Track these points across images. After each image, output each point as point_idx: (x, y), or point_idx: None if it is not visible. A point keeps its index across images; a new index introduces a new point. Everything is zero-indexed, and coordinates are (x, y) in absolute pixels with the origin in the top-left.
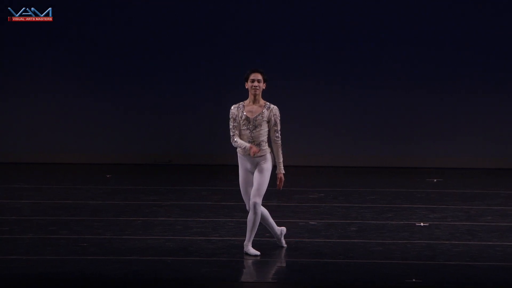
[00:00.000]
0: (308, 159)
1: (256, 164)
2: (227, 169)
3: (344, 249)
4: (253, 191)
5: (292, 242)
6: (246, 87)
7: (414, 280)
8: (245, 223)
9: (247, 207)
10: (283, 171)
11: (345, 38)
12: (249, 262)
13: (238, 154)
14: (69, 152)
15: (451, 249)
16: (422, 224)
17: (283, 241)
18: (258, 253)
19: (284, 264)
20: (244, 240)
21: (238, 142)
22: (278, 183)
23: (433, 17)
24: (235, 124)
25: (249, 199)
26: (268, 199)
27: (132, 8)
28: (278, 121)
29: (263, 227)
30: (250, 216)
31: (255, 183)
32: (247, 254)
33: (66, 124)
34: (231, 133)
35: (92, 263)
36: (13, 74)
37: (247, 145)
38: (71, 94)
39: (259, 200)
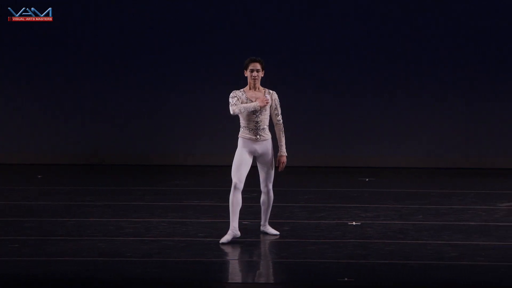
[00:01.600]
0: None
1: (262, 148)
2: (160, 169)
3: (276, 249)
4: (264, 180)
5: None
6: (245, 75)
7: (346, 279)
8: (178, 223)
9: (233, 181)
10: (285, 153)
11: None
12: (183, 262)
13: (242, 138)
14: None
15: (383, 247)
16: (354, 223)
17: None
18: (277, 232)
19: (215, 264)
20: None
21: (243, 105)
22: (279, 165)
23: (371, 21)
24: (237, 101)
25: (238, 176)
26: (201, 199)
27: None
28: (279, 105)
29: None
30: (263, 199)
31: (263, 172)
32: (266, 233)
33: None
34: (231, 104)
35: (24, 265)
36: None
37: (255, 103)
38: (0, 93)
39: (271, 186)
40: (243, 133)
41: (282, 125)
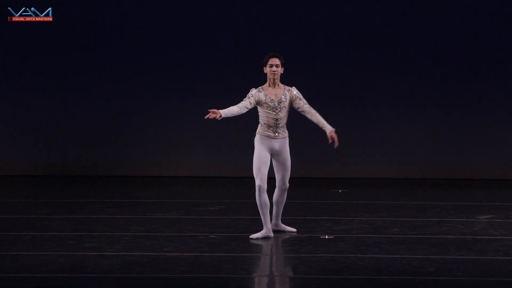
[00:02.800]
0: (209, 169)
1: (279, 145)
2: (123, 181)
3: (246, 264)
4: (281, 178)
5: (191, 257)
6: (265, 72)
7: None
8: (141, 237)
9: (256, 183)
10: (332, 128)
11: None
12: (146, 278)
13: (260, 135)
14: None
15: (356, 262)
16: (327, 236)
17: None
18: (294, 229)
19: (180, 280)
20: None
21: (237, 106)
22: (331, 141)
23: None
24: (251, 99)
25: (260, 177)
26: (166, 212)
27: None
28: (301, 96)
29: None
30: (278, 197)
31: (281, 170)
32: (283, 231)
33: None
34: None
35: None
36: None
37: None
38: None
39: (288, 183)
40: (261, 130)
41: (312, 108)
